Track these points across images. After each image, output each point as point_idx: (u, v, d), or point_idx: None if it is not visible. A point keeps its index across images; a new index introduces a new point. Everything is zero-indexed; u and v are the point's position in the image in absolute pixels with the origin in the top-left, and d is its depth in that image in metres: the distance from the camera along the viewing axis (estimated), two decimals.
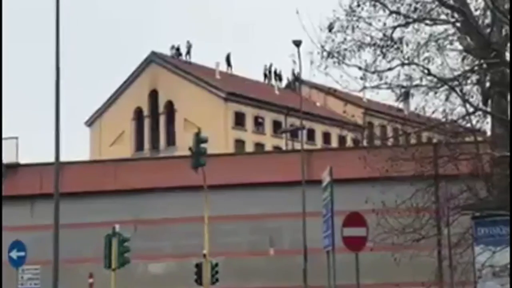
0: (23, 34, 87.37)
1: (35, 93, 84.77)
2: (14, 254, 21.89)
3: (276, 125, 54.96)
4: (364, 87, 15.24)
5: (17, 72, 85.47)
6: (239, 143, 53.88)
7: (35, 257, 23.85)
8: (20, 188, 33.01)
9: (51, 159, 20.24)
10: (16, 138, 35.38)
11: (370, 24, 15.06)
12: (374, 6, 14.98)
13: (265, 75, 60.74)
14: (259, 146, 54.48)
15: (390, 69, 15.06)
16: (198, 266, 26.56)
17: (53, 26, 18.98)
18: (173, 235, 33.66)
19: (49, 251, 19.43)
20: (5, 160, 17.87)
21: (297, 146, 45.01)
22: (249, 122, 55.10)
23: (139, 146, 56.63)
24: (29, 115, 78.24)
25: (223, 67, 57.61)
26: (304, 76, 34.96)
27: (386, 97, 16.29)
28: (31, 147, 38.61)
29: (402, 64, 15.27)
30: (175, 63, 56.14)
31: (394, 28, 15.21)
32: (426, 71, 15.11)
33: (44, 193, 30.16)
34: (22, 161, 35.28)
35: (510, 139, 14.63)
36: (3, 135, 34.86)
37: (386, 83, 15.23)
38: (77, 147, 53.14)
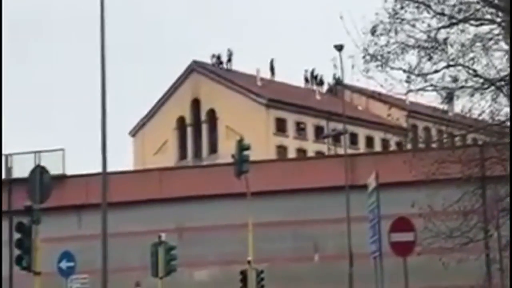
0: (69, 46, 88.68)
1: (79, 106, 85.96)
2: (64, 264, 22.21)
3: (318, 130, 54.76)
4: (410, 90, 15.08)
5: (62, 85, 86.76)
6: (281, 149, 53.81)
7: (83, 266, 24.09)
8: (67, 199, 33.45)
9: (96, 169, 20.43)
10: (63, 150, 36.01)
11: (414, 26, 14.88)
12: (418, 7, 14.79)
13: (306, 80, 60.60)
14: (301, 152, 54.33)
15: (436, 71, 14.86)
16: (243, 273, 26.54)
17: (98, 40, 19.17)
18: (217, 243, 33.73)
19: (96, 261, 19.59)
20: (52, 172, 18.10)
21: (340, 151, 44.77)
22: (290, 128, 55.02)
23: (182, 154, 56.94)
24: (73, 128, 79.33)
25: (264, 74, 57.68)
26: (346, 80, 34.74)
27: (431, 99, 16.09)
28: (76, 159, 39.19)
29: (448, 66, 15.05)
30: (216, 71, 56.37)
31: (438, 29, 15.00)
32: (472, 72, 14.88)
33: (90, 203, 30.51)
34: (69, 172, 35.79)
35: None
36: (50, 148, 35.60)
37: (431, 85, 15.05)
38: (121, 157, 53.68)
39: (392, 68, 14.90)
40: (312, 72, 60.34)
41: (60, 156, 35.72)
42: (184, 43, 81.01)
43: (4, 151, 37.30)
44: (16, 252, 16.68)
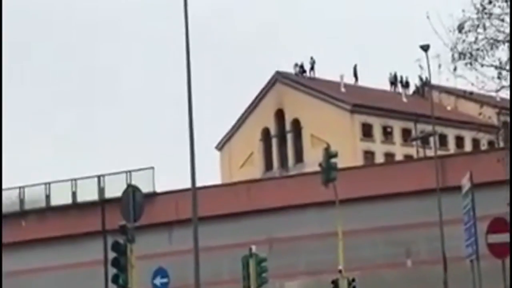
0: (154, 64, 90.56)
1: (165, 125, 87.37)
2: (158, 281, 22.42)
3: (406, 133, 53.85)
4: (502, 87, 14.55)
5: (149, 105, 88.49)
6: (368, 154, 53.16)
7: (175, 282, 24.29)
8: (158, 216, 33.95)
9: (184, 186, 20.58)
10: (152, 168, 36.71)
11: (503, 20, 14.36)
12: (507, 1, 14.28)
13: (392, 83, 59.74)
14: (389, 156, 53.52)
15: None
16: (335, 283, 26.26)
17: (183, 57, 19.34)
18: (307, 252, 33.55)
19: (189, 276, 19.70)
20: (143, 190, 18.37)
21: (429, 153, 43.83)
22: (377, 133, 54.30)
23: (268, 166, 57.00)
24: (161, 146, 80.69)
25: (347, 80, 57.20)
26: (433, 80, 34.01)
27: None
28: (164, 176, 39.85)
29: None
30: (300, 80, 56.27)
31: None
32: None
33: (180, 219, 30.88)
34: (158, 190, 36.39)
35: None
36: (140, 167, 36.32)
37: None
38: (209, 172, 54.26)
39: (482, 65, 14.42)
40: (396, 75, 59.49)
41: (150, 174, 36.42)
42: (267, 54, 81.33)
43: (96, 173, 38.39)
44: (113, 271, 16.90)
